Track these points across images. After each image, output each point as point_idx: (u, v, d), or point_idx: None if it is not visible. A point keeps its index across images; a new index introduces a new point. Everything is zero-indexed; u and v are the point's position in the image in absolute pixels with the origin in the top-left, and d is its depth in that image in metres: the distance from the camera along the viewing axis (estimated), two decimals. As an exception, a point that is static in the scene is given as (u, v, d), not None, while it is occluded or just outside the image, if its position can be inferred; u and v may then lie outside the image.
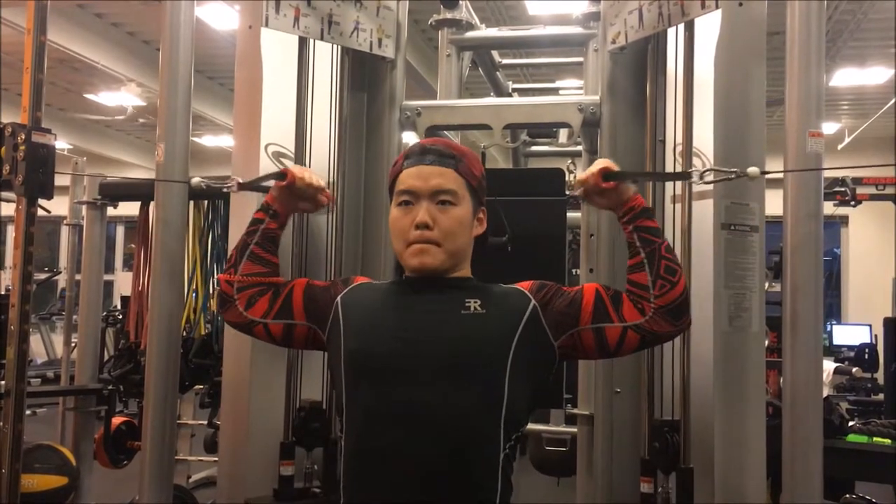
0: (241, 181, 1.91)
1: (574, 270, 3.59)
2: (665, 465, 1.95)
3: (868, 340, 8.68)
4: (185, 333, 3.60)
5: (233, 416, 2.21)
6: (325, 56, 2.30)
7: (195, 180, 2.09)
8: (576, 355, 1.61)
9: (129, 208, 4.06)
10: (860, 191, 6.73)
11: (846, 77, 8.73)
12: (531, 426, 3.58)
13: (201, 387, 4.06)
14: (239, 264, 1.70)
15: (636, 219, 1.59)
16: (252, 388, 2.15)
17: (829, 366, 7.01)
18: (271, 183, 1.78)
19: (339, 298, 1.62)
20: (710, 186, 1.98)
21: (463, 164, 1.58)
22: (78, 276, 4.11)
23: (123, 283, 9.66)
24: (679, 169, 2.01)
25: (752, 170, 1.72)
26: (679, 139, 2.02)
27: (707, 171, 1.71)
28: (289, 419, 2.12)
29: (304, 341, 1.69)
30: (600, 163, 1.63)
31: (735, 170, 1.71)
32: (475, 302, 1.53)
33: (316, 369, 2.18)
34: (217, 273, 3.59)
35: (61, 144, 10.62)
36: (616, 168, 1.62)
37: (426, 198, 1.53)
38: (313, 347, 1.72)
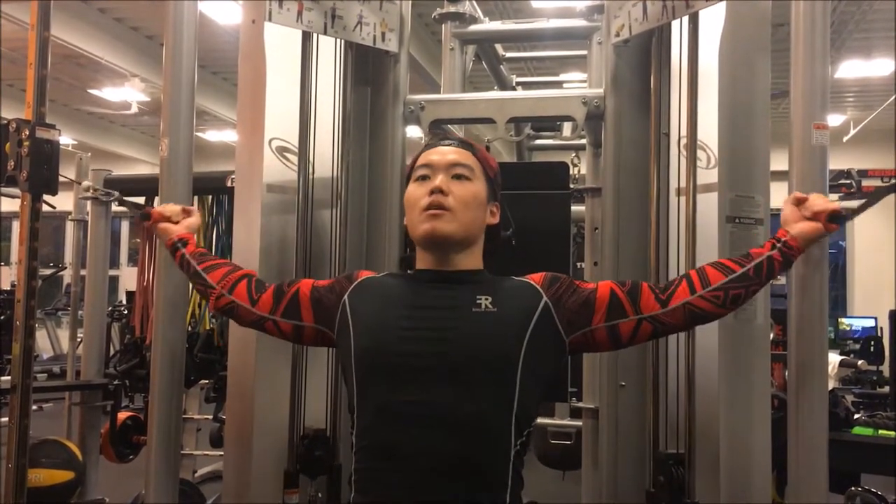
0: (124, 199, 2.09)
1: (578, 264, 3.59)
2: (670, 500, 1.94)
3: (874, 333, 8.68)
4: (190, 328, 3.61)
5: (238, 411, 2.21)
6: (328, 50, 2.30)
7: (85, 183, 2.24)
8: (586, 350, 1.62)
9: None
10: (866, 183, 6.70)
11: (851, 69, 8.71)
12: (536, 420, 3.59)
13: (207, 381, 4.07)
14: (206, 281, 1.76)
15: (783, 256, 1.56)
16: (257, 384, 2.15)
17: (834, 358, 7.01)
18: None
19: (345, 297, 1.61)
20: (716, 178, 1.98)
21: (481, 154, 1.64)
22: (83, 272, 4.12)
23: (128, 278, 9.68)
24: (684, 162, 2.01)
25: None
26: (683, 132, 2.01)
27: None
28: (293, 447, 2.12)
29: (313, 341, 1.70)
30: (830, 204, 1.60)
31: None
32: (486, 299, 1.52)
33: (319, 390, 2.19)
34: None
35: (66, 140, 10.63)
36: (840, 213, 1.60)
37: (442, 170, 1.56)
38: (323, 345, 1.73)
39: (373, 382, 1.50)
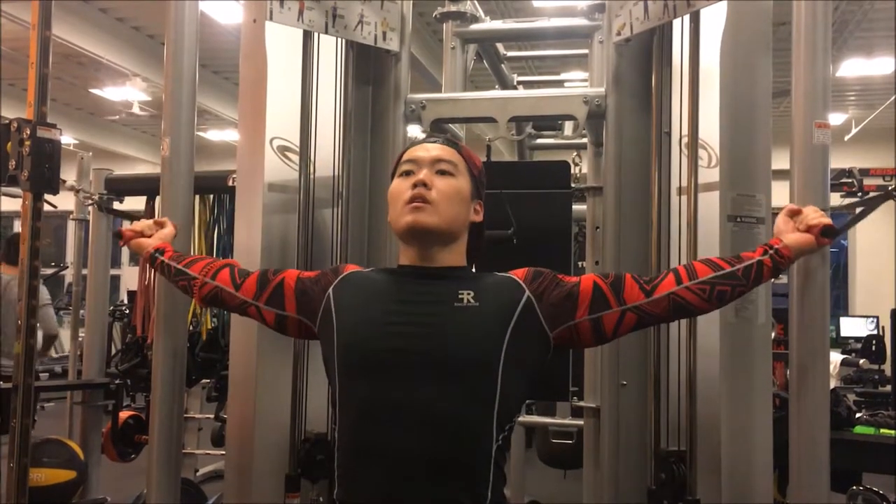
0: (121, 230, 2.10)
1: (580, 263, 3.59)
2: (672, 497, 1.94)
3: (875, 332, 8.67)
4: (191, 327, 3.62)
5: (240, 411, 2.21)
6: (329, 49, 2.30)
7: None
8: (571, 345, 1.62)
9: (136, 203, 4.07)
10: (867, 182, 6.69)
11: (853, 67, 8.70)
12: (538, 419, 3.59)
13: (208, 381, 4.07)
14: (188, 274, 1.80)
15: (773, 263, 1.56)
16: (259, 383, 2.15)
17: (836, 357, 7.00)
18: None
19: (330, 290, 1.61)
20: (717, 177, 1.98)
21: (465, 152, 1.64)
22: (85, 271, 4.12)
23: (130, 277, 9.67)
24: (685, 161, 2.01)
25: None
26: (685, 131, 2.01)
27: None
28: (294, 451, 2.11)
29: (296, 332, 1.71)
30: (824, 218, 1.61)
31: None
32: (468, 294, 1.52)
33: (320, 393, 2.18)
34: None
35: (67, 139, 10.63)
36: (833, 228, 1.61)
37: (426, 165, 1.57)
38: (306, 337, 1.76)
39: (355, 377, 1.51)
